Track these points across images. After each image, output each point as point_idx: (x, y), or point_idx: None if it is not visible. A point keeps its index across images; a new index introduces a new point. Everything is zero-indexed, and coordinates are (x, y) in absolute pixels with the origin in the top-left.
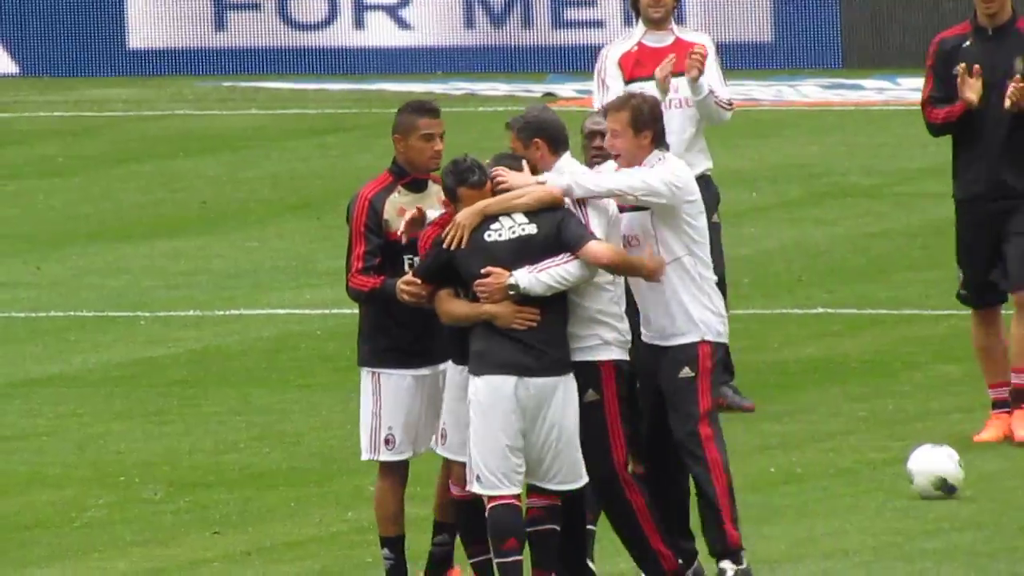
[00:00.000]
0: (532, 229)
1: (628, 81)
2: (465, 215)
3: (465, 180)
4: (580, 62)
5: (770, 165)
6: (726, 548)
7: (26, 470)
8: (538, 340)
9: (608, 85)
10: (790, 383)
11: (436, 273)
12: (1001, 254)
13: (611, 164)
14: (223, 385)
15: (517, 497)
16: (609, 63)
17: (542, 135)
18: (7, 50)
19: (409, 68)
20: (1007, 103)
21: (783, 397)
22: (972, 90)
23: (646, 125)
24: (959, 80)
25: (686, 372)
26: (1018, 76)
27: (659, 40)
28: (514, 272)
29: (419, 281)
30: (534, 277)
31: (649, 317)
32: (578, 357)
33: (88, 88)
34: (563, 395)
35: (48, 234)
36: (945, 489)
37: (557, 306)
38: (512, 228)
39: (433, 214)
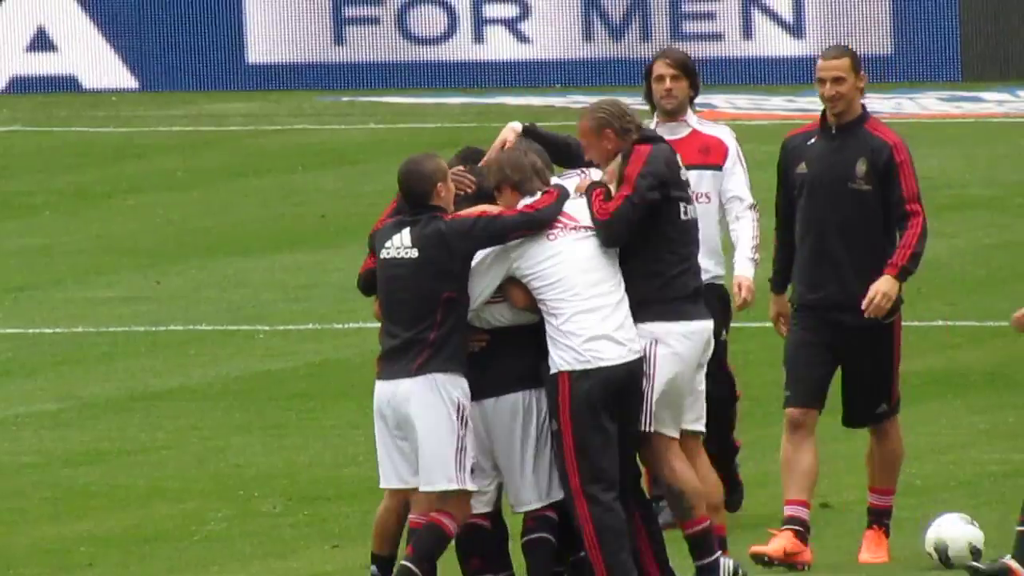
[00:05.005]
0: None
1: None
2: None
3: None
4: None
5: None
6: None
7: (146, 483)
8: (480, 362)
9: None
10: (911, 395)
11: None
12: (840, 378)
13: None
14: (342, 398)
15: (483, 516)
16: None
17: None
18: (127, 65)
19: (528, 82)
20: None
21: (904, 409)
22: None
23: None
24: (780, 321)
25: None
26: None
27: (672, 132)
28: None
29: None
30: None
31: None
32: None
33: (207, 103)
34: (495, 416)
35: (168, 248)
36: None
37: (499, 331)
38: None
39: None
